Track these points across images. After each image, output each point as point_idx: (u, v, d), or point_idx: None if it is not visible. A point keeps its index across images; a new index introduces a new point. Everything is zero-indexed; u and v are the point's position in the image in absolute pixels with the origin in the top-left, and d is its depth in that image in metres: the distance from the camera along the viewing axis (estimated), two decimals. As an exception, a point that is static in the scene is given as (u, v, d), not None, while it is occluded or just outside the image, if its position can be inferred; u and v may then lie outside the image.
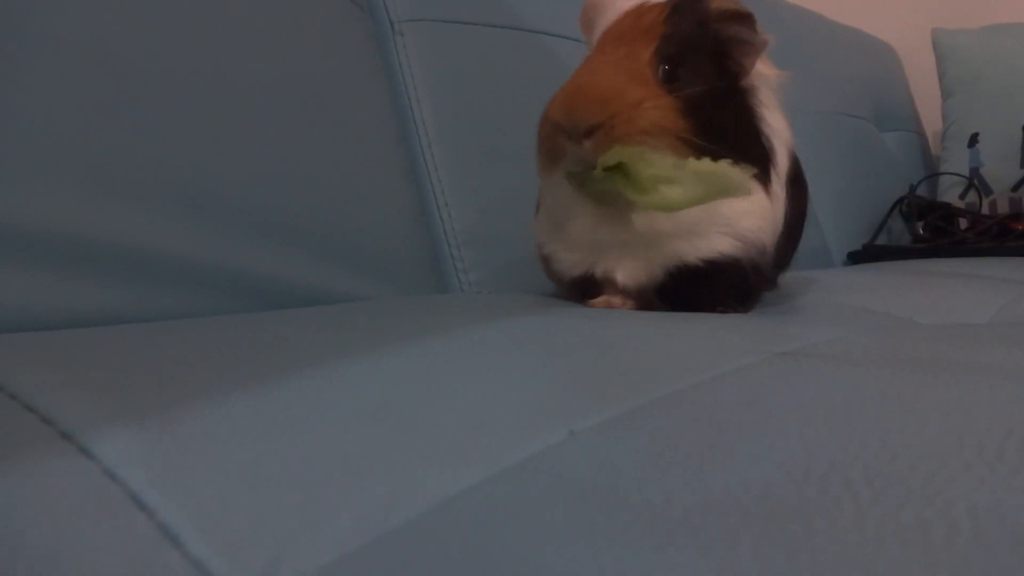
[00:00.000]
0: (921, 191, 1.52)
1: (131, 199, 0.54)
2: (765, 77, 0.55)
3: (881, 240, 1.44)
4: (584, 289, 0.56)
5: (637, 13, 0.51)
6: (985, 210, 1.42)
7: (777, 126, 0.54)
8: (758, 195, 0.51)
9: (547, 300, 0.60)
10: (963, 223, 1.41)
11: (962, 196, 1.49)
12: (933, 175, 1.61)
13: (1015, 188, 1.42)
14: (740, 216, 0.50)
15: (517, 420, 0.23)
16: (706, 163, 0.46)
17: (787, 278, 0.71)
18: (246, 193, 0.62)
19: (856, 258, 1.37)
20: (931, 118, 1.75)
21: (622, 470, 0.19)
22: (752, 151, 0.51)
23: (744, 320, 0.45)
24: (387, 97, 0.85)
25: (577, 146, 0.48)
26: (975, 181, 1.47)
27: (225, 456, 0.20)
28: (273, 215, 0.63)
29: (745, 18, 0.50)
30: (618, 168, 0.47)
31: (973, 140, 1.51)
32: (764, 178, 0.51)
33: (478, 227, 0.86)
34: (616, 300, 0.54)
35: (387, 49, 0.89)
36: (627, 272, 0.52)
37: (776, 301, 0.59)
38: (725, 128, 0.49)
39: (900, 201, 1.47)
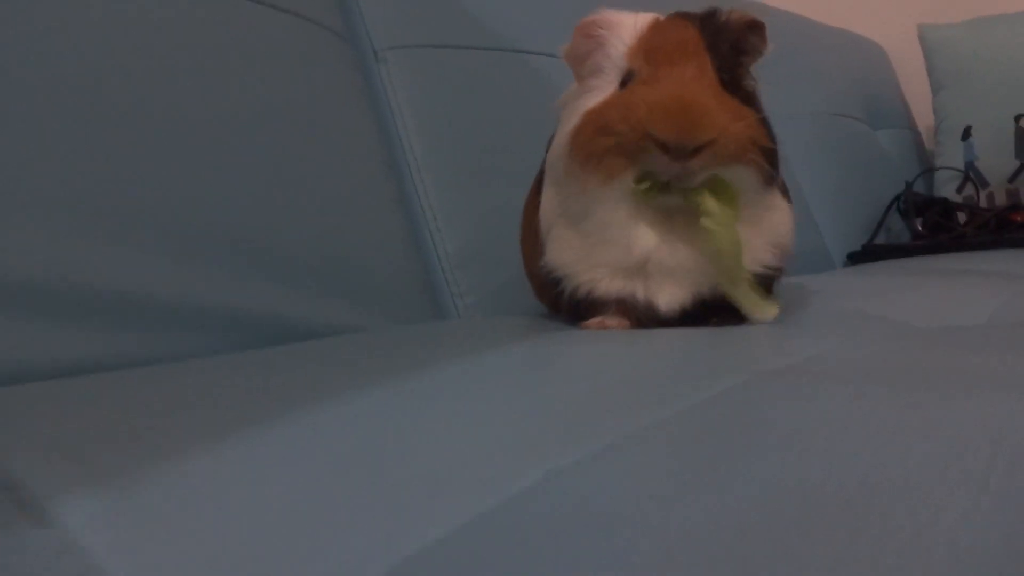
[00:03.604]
0: (918, 187, 1.51)
1: (112, 240, 0.53)
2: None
3: (880, 239, 1.43)
4: (583, 310, 0.55)
5: (670, 28, 0.50)
6: (983, 203, 1.41)
7: None
8: (783, 202, 0.53)
9: (540, 323, 0.60)
10: (962, 217, 1.40)
11: (959, 190, 1.48)
12: (928, 171, 1.61)
13: (1012, 179, 1.41)
14: (779, 224, 0.52)
15: (493, 461, 0.22)
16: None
17: (787, 285, 0.70)
18: (231, 229, 0.61)
19: (856, 259, 1.36)
20: (923, 114, 1.75)
21: (596, 511, 0.18)
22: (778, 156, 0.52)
23: (735, 335, 0.45)
24: (373, 124, 0.84)
25: (677, 163, 0.46)
26: (971, 174, 1.46)
27: (189, 519, 0.19)
28: (262, 250, 0.63)
29: (760, 27, 0.52)
30: (708, 187, 0.47)
31: (966, 133, 1.50)
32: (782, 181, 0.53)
33: (471, 249, 0.85)
34: (611, 321, 0.53)
35: (371, 77, 0.89)
36: (672, 296, 0.51)
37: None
38: (772, 136, 0.50)
39: (897, 198, 1.46)
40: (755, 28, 0.51)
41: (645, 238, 0.50)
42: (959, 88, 1.58)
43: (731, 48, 0.50)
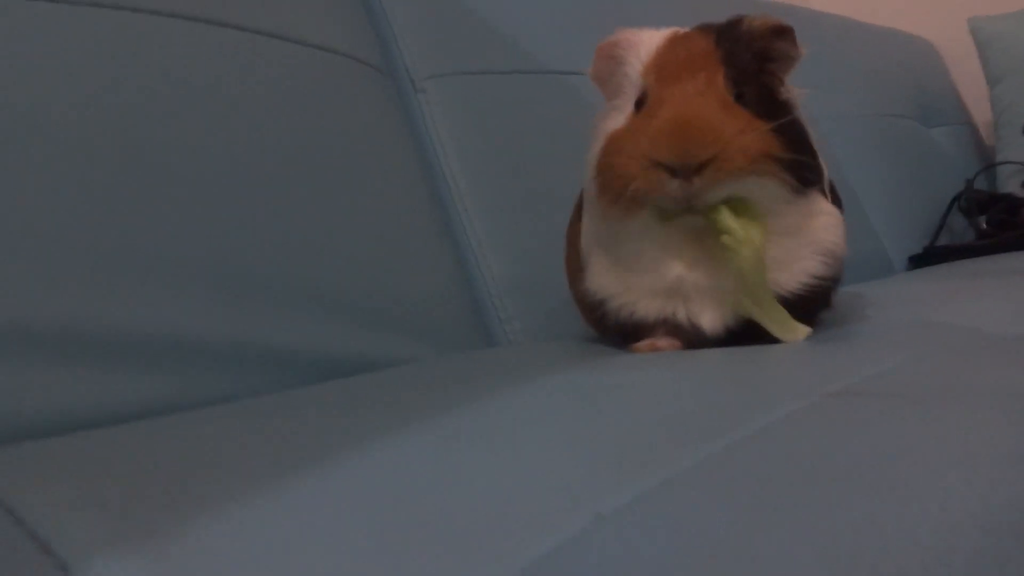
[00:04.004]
0: (979, 184, 1.45)
1: (154, 283, 0.52)
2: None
3: (943, 240, 1.38)
4: (629, 333, 0.53)
5: (684, 41, 0.49)
6: (1051, 197, 1.35)
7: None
8: (830, 207, 0.51)
9: (589, 348, 0.58)
10: (1028, 213, 1.33)
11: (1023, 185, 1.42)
12: (990, 166, 1.54)
13: (1080, 170, 1.34)
14: (823, 231, 0.50)
15: (541, 505, 0.21)
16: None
17: (844, 294, 0.67)
18: (275, 266, 0.61)
19: (919, 261, 1.31)
20: (979, 109, 1.69)
21: (647, 559, 0.17)
22: (818, 163, 0.50)
23: (794, 352, 0.43)
24: (415, 154, 0.85)
25: (685, 183, 0.45)
26: (1035, 168, 1.40)
27: (224, 578, 0.18)
28: (306, 286, 0.63)
29: (788, 32, 0.50)
30: (727, 203, 0.46)
31: (1028, 126, 1.44)
32: (826, 189, 0.51)
33: (518, 274, 0.84)
34: (662, 343, 0.51)
35: (410, 107, 0.89)
36: (714, 316, 0.49)
37: (831, 323, 0.56)
38: (801, 146, 0.48)
39: (958, 197, 1.40)
40: (782, 33, 0.49)
41: (675, 262, 0.49)
42: (1017, 80, 1.52)
43: (755, 57, 0.49)
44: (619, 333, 0.54)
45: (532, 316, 0.83)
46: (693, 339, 0.50)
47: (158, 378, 0.51)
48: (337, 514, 0.21)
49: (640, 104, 0.49)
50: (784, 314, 0.47)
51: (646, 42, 0.51)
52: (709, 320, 0.49)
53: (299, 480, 0.24)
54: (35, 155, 0.49)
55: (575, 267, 0.59)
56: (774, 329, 0.47)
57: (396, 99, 0.87)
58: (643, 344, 0.52)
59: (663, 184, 0.46)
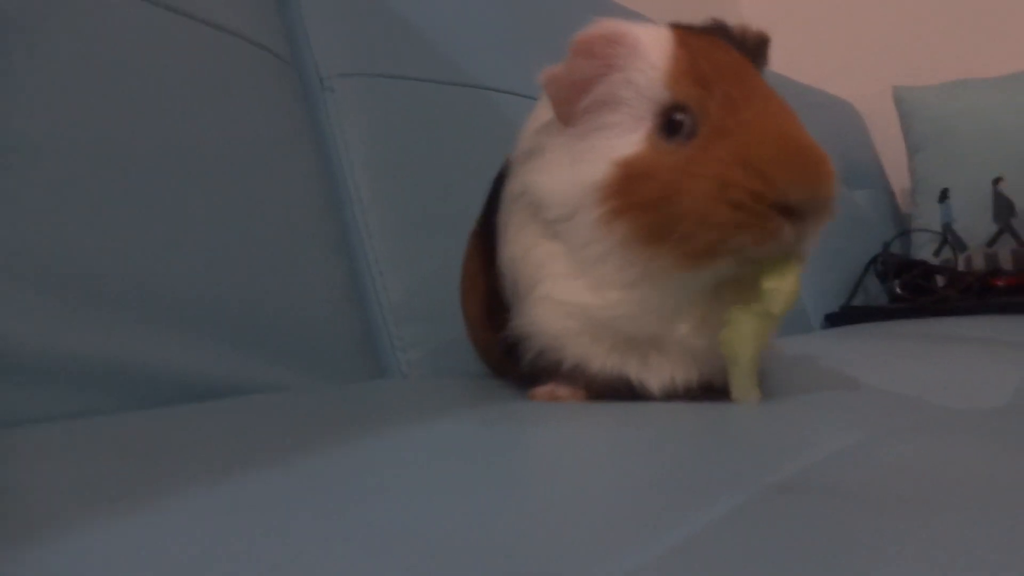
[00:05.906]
0: (894, 249, 1.46)
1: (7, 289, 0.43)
2: None
3: (858, 300, 1.37)
4: (539, 377, 0.45)
5: (710, 46, 0.39)
6: (961, 266, 1.36)
7: None
8: None
9: (485, 390, 0.50)
10: (940, 280, 1.34)
11: (936, 253, 1.43)
12: (906, 232, 1.56)
13: (991, 243, 1.36)
14: None
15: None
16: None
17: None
18: (143, 273, 0.52)
19: (834, 320, 1.30)
20: (897, 175, 1.72)
21: None
22: None
23: (721, 417, 0.36)
24: (315, 159, 0.76)
25: (799, 227, 0.36)
26: (948, 237, 1.41)
27: None
28: (169, 296, 0.53)
29: (769, 43, 0.43)
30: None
31: (943, 195, 1.46)
32: None
33: (418, 300, 0.76)
34: (562, 391, 0.44)
35: (315, 107, 0.80)
36: (673, 375, 0.41)
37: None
38: None
39: (874, 260, 1.41)
40: (767, 44, 0.42)
41: (689, 317, 0.40)
42: (936, 150, 1.55)
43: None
44: (531, 376, 0.45)
45: (431, 345, 0.75)
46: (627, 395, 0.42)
47: (12, 391, 0.41)
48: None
49: (674, 124, 0.38)
50: (755, 375, 0.40)
51: (648, 42, 0.39)
52: (662, 382, 0.41)
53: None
54: None
55: (477, 303, 0.51)
56: (738, 388, 0.40)
57: (300, 95, 0.78)
58: (542, 391, 0.44)
59: (780, 231, 0.36)
